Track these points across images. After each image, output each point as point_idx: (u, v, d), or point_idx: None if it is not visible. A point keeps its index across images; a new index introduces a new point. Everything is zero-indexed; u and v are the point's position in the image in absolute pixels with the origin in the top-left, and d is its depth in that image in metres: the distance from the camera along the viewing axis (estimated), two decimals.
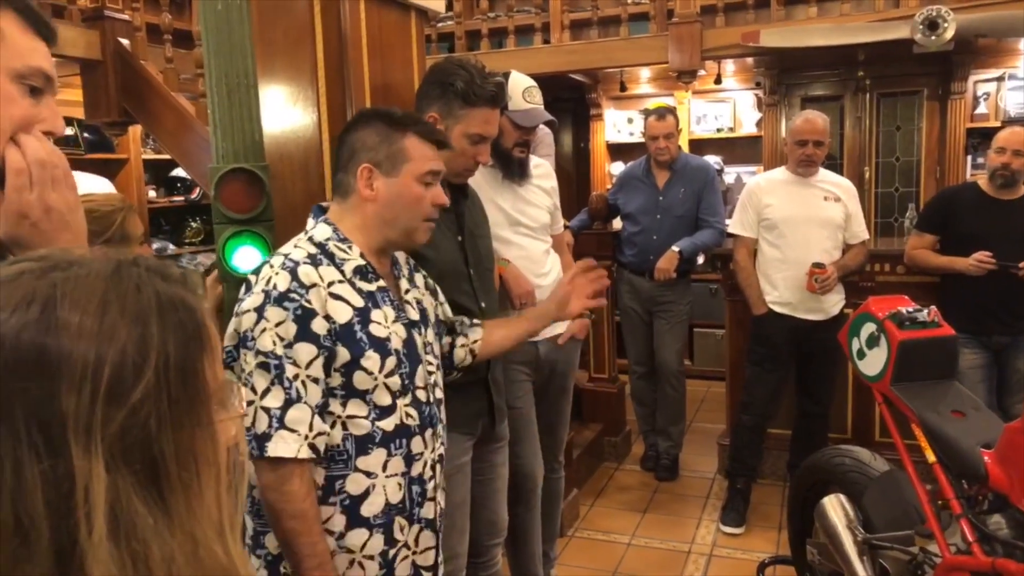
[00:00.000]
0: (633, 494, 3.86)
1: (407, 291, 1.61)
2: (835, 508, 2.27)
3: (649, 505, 3.73)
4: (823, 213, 3.35)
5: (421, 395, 1.53)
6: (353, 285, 1.46)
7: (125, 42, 3.58)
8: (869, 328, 2.28)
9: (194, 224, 5.66)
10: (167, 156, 4.92)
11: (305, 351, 1.38)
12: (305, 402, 1.38)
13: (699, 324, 5.46)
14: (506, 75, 2.46)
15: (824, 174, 3.43)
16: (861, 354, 2.31)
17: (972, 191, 3.32)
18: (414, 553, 1.53)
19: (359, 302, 1.46)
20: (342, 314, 1.43)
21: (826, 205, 3.36)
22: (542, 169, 2.63)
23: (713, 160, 5.43)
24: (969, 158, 5.13)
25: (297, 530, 1.38)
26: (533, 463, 2.52)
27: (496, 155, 2.46)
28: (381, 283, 1.52)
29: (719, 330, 5.08)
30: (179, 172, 5.46)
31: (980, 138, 5.07)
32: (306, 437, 1.37)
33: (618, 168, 5.88)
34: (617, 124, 6.15)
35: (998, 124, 4.92)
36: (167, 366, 0.53)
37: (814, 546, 2.40)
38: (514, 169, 2.48)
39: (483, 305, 2.03)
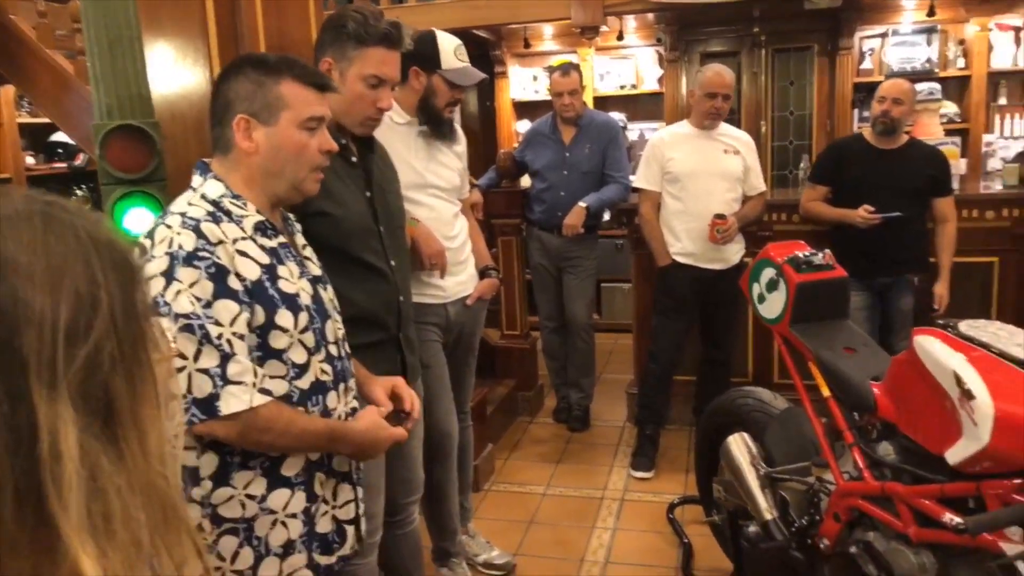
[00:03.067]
0: (547, 446, 3.93)
1: (304, 246, 1.57)
2: (739, 446, 2.38)
3: (563, 456, 3.81)
4: (723, 166, 3.44)
5: (333, 350, 1.51)
6: (255, 242, 1.42)
7: None
8: (768, 273, 2.37)
9: (79, 192, 5.33)
10: (45, 119, 4.60)
11: (226, 309, 1.33)
12: (240, 358, 1.34)
13: (606, 279, 5.56)
14: (431, 34, 2.43)
15: (724, 128, 3.52)
16: (761, 298, 2.40)
17: (858, 142, 3.48)
18: (333, 508, 1.52)
19: (265, 259, 1.41)
20: (251, 271, 1.38)
21: (726, 158, 3.45)
22: (456, 132, 2.61)
23: (617, 117, 5.49)
24: (856, 111, 5.37)
25: (297, 440, 1.40)
26: (448, 421, 2.53)
27: (427, 115, 2.43)
28: (281, 239, 1.48)
29: (626, 284, 5.19)
30: (60, 136, 5.12)
31: (865, 92, 5.31)
32: (254, 385, 1.34)
33: (524, 126, 5.88)
34: (522, 82, 6.13)
35: (881, 79, 5.15)
36: (113, 304, 0.54)
37: (720, 483, 2.51)
38: (445, 129, 2.47)
39: (393, 264, 2.00)
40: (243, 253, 1.38)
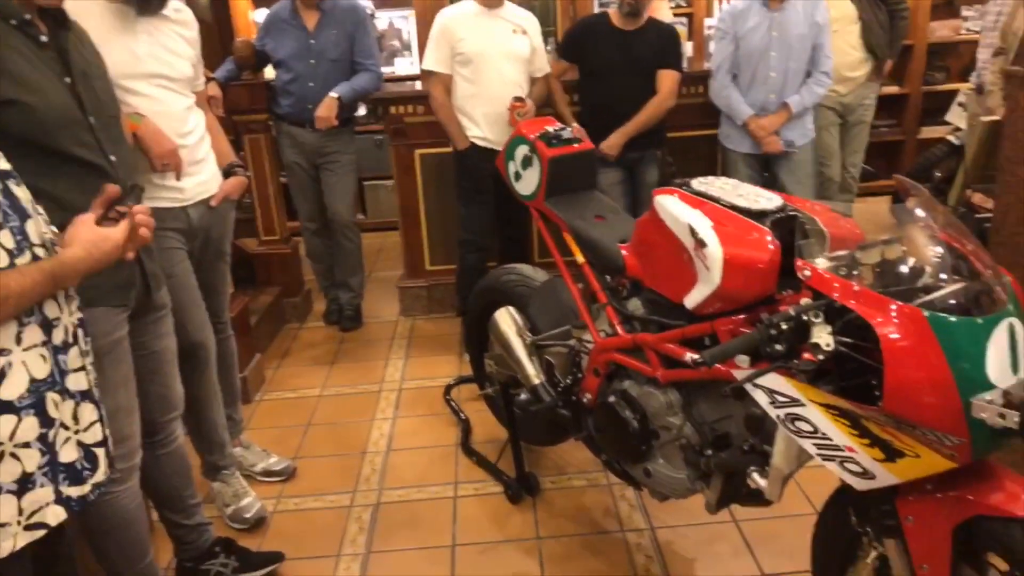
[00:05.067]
0: (319, 349, 3.84)
1: None
2: (505, 319, 2.46)
3: (337, 356, 3.75)
4: (513, 47, 3.35)
5: (41, 252, 1.31)
6: None
7: None
8: (523, 151, 2.41)
9: None
10: None
11: None
12: None
13: (368, 177, 5.42)
14: None
15: (509, 7, 3.41)
16: (517, 176, 2.45)
17: (602, 22, 3.56)
18: (76, 432, 1.36)
19: None
20: None
21: (515, 38, 3.37)
22: (183, 15, 2.29)
23: (364, 4, 5.22)
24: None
25: (18, 303, 1.23)
26: (202, 331, 2.35)
27: None
28: None
29: (388, 181, 5.08)
30: None
31: None
32: None
33: (262, 16, 5.42)
34: None
35: None
36: None
37: (491, 358, 2.60)
38: (153, 2, 2.12)
39: (113, 159, 1.76)
40: None
